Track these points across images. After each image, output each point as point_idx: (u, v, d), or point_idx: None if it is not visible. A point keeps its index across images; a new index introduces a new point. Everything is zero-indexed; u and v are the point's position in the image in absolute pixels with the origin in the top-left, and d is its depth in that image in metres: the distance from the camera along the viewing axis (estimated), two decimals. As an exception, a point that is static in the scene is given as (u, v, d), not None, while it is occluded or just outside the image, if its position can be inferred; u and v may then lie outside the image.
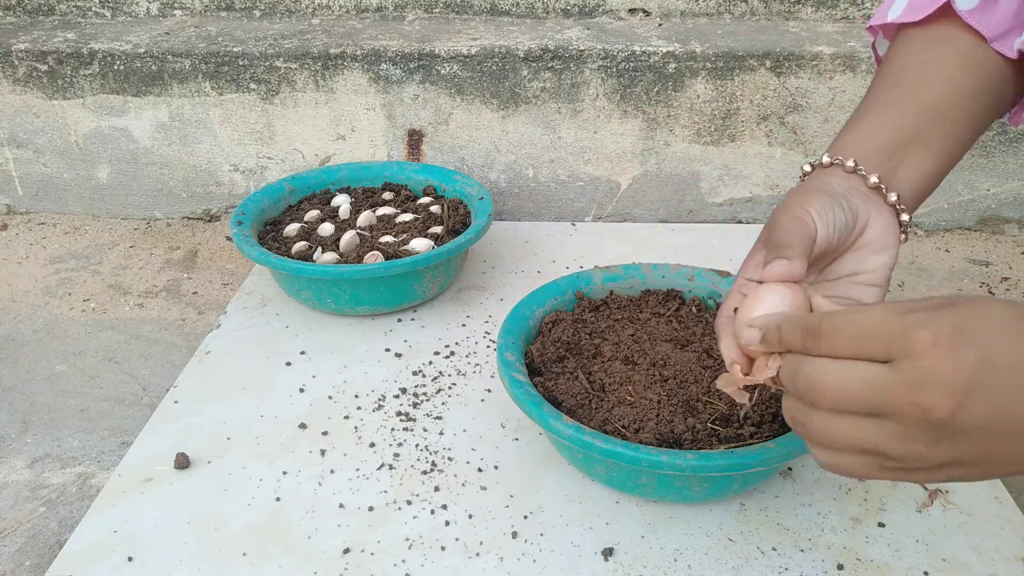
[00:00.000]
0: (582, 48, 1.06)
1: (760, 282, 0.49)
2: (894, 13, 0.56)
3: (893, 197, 0.52)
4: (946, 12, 0.53)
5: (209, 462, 0.70)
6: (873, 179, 0.51)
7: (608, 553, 0.61)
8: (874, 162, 0.52)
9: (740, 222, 1.14)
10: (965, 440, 0.35)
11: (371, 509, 0.65)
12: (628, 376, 0.69)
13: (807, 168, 0.54)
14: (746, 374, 0.47)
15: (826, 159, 0.53)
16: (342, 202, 1.00)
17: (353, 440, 0.73)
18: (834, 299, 0.51)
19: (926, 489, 0.67)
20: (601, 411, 0.66)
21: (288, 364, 0.83)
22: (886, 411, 0.36)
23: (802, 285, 0.47)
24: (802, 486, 0.67)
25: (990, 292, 1.02)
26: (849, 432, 0.37)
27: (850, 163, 0.52)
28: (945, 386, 0.34)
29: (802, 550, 0.62)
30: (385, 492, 0.67)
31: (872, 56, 0.63)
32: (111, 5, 1.22)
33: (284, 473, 0.69)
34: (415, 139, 1.12)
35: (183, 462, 0.70)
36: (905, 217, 0.52)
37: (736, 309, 0.49)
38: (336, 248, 0.89)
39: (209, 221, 1.20)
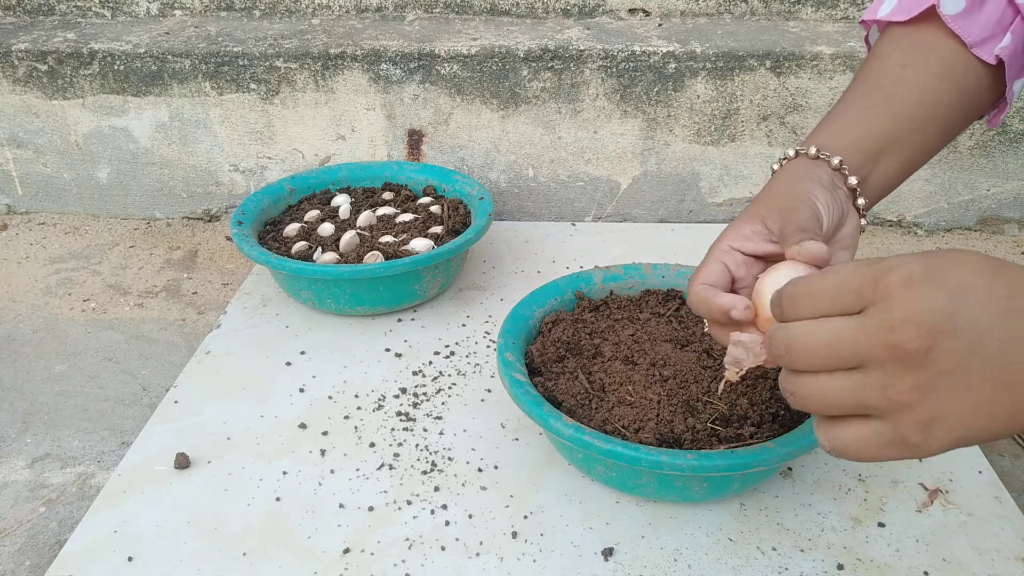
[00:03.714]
0: (582, 48, 1.06)
1: (757, 256, 0.52)
2: (884, 10, 0.57)
3: (861, 201, 0.54)
4: (931, 15, 0.54)
5: (209, 462, 0.70)
6: (852, 180, 0.53)
7: (608, 553, 0.61)
8: (850, 166, 0.54)
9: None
10: (951, 381, 0.34)
11: (371, 509, 0.65)
12: (628, 376, 0.69)
13: (790, 153, 0.55)
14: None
15: (812, 151, 0.54)
16: (342, 202, 1.00)
17: (353, 440, 0.73)
18: None
19: (926, 489, 0.67)
20: (601, 411, 0.66)
21: (288, 364, 0.83)
22: (863, 359, 0.35)
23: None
24: (802, 486, 0.67)
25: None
26: (832, 389, 0.36)
27: (835, 160, 0.53)
28: (918, 324, 0.33)
29: (802, 550, 0.62)
30: (385, 492, 0.67)
31: (866, 49, 0.65)
32: (111, 5, 1.22)
33: (284, 473, 0.69)
34: (415, 139, 1.12)
35: (183, 462, 0.70)
36: (863, 222, 0.55)
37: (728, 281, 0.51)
38: (336, 248, 0.89)
39: (209, 221, 1.20)
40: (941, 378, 0.34)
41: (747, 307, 0.48)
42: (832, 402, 0.37)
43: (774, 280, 0.47)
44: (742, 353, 0.49)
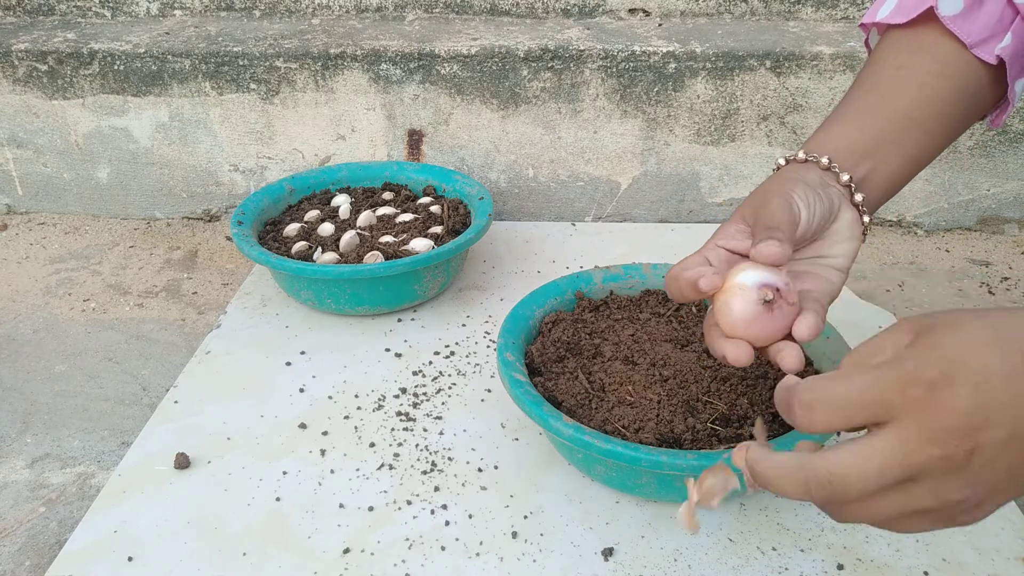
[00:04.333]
0: (582, 48, 1.06)
1: (740, 254, 0.52)
2: (883, 13, 0.57)
3: (859, 197, 0.54)
4: (930, 16, 0.54)
5: (209, 462, 0.70)
6: (845, 177, 0.53)
7: (608, 553, 0.61)
8: (845, 165, 0.54)
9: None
10: (994, 468, 0.34)
11: (371, 509, 0.65)
12: (628, 376, 0.69)
13: (781, 162, 0.56)
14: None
15: (801, 155, 0.54)
16: (342, 202, 1.00)
17: (353, 440, 0.73)
18: (803, 273, 0.53)
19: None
20: (601, 411, 0.66)
21: (288, 364, 0.83)
22: (912, 474, 0.35)
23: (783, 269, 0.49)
24: (802, 486, 0.67)
25: (990, 292, 1.02)
26: (890, 508, 0.36)
27: (824, 160, 0.53)
28: (956, 430, 0.34)
29: (802, 550, 0.62)
30: (385, 492, 0.67)
31: (866, 52, 0.64)
32: (111, 5, 1.22)
33: (284, 473, 0.69)
34: (415, 139, 1.12)
35: (183, 462, 0.70)
36: (866, 219, 0.54)
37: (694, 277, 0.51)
38: (336, 248, 0.89)
39: (209, 221, 1.20)
40: (986, 467, 0.34)
41: (715, 273, 0.48)
42: (888, 519, 0.37)
43: (741, 272, 0.48)
44: (716, 484, 0.45)
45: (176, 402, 0.78)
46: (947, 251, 1.11)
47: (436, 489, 0.67)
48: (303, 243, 0.90)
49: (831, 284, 0.52)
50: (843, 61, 1.04)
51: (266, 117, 1.12)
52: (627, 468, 0.61)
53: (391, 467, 0.70)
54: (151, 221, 1.20)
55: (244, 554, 0.61)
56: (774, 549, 0.62)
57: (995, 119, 0.59)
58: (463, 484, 0.68)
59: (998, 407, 0.33)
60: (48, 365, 0.90)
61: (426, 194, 1.03)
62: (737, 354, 0.48)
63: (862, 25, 0.61)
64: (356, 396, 0.78)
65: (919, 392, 0.34)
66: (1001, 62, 0.53)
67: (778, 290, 0.47)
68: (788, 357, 0.48)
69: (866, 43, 0.63)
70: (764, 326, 0.48)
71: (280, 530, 0.64)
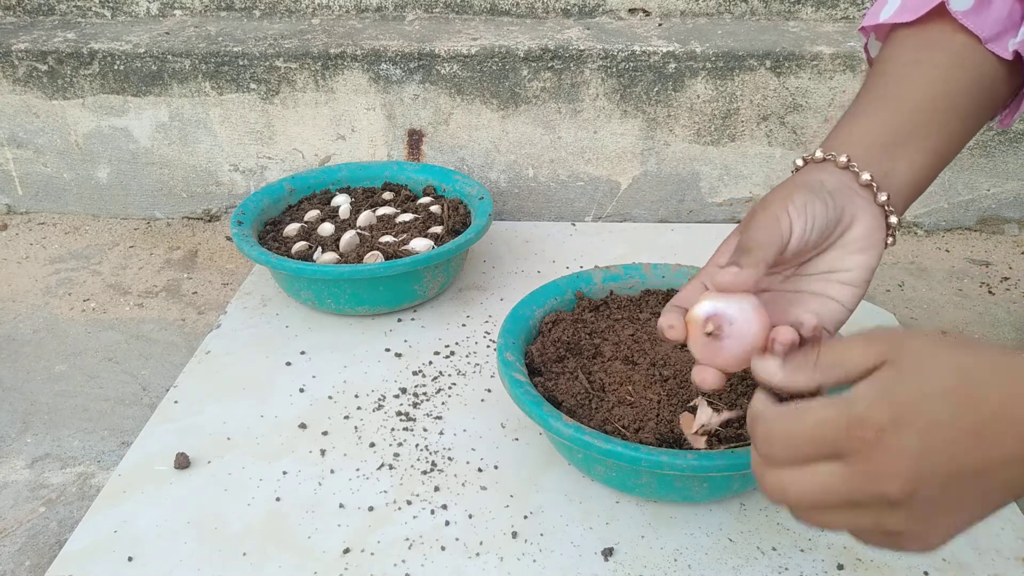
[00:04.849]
0: (582, 48, 1.06)
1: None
2: (886, 13, 0.55)
3: (883, 197, 0.51)
4: (940, 13, 0.53)
5: (209, 462, 0.70)
6: (865, 176, 0.51)
7: (608, 553, 0.61)
8: (867, 161, 0.51)
9: (740, 222, 1.14)
10: (935, 506, 0.37)
11: (371, 509, 0.65)
12: (628, 376, 0.69)
13: (799, 163, 0.54)
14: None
15: (819, 154, 0.52)
16: (342, 202, 1.00)
17: (353, 440, 0.73)
18: (808, 294, 0.51)
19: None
20: (601, 411, 0.66)
21: (288, 364, 0.83)
22: (855, 503, 0.38)
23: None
24: (802, 486, 0.67)
25: (990, 292, 1.02)
26: (832, 520, 0.40)
27: (843, 159, 0.51)
28: (898, 475, 0.36)
29: (802, 550, 0.62)
30: (385, 492, 0.67)
31: (865, 58, 0.63)
32: (111, 5, 1.22)
33: (284, 473, 0.69)
34: (415, 139, 1.12)
35: (183, 462, 0.70)
36: (894, 219, 0.52)
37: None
38: (336, 248, 0.89)
39: (209, 221, 1.20)
40: (927, 504, 0.37)
41: (671, 327, 0.49)
42: (835, 528, 0.40)
43: (700, 303, 0.48)
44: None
45: (176, 402, 0.78)
46: (947, 251, 1.11)
47: (436, 489, 0.67)
48: (303, 243, 0.90)
49: (837, 307, 0.50)
50: (843, 61, 1.04)
51: (266, 117, 1.12)
52: (627, 468, 0.61)
53: (391, 467, 0.70)
54: (151, 221, 1.20)
55: (244, 554, 0.61)
56: (774, 549, 0.62)
57: (1005, 118, 0.58)
58: (463, 484, 0.68)
59: (944, 456, 0.36)
60: (48, 365, 0.90)
61: (426, 194, 1.03)
62: (702, 378, 0.49)
63: (862, 29, 0.60)
64: (356, 396, 0.78)
65: (869, 435, 0.36)
66: (1017, 56, 0.53)
67: (721, 323, 0.46)
68: (710, 379, 0.49)
69: (865, 48, 0.62)
70: (714, 357, 0.48)
71: (280, 530, 0.64)
